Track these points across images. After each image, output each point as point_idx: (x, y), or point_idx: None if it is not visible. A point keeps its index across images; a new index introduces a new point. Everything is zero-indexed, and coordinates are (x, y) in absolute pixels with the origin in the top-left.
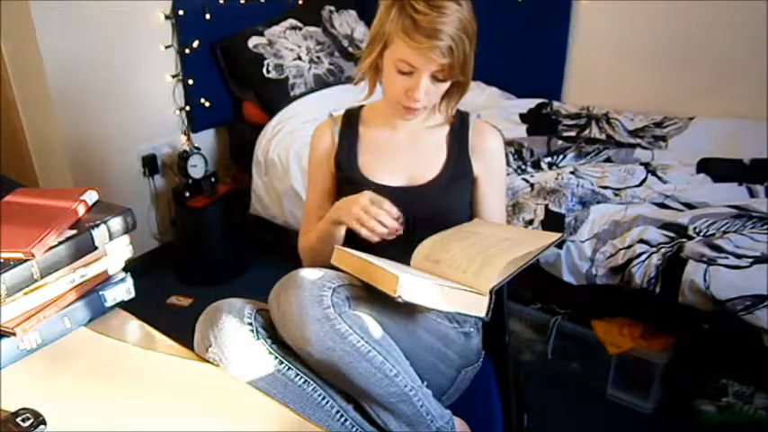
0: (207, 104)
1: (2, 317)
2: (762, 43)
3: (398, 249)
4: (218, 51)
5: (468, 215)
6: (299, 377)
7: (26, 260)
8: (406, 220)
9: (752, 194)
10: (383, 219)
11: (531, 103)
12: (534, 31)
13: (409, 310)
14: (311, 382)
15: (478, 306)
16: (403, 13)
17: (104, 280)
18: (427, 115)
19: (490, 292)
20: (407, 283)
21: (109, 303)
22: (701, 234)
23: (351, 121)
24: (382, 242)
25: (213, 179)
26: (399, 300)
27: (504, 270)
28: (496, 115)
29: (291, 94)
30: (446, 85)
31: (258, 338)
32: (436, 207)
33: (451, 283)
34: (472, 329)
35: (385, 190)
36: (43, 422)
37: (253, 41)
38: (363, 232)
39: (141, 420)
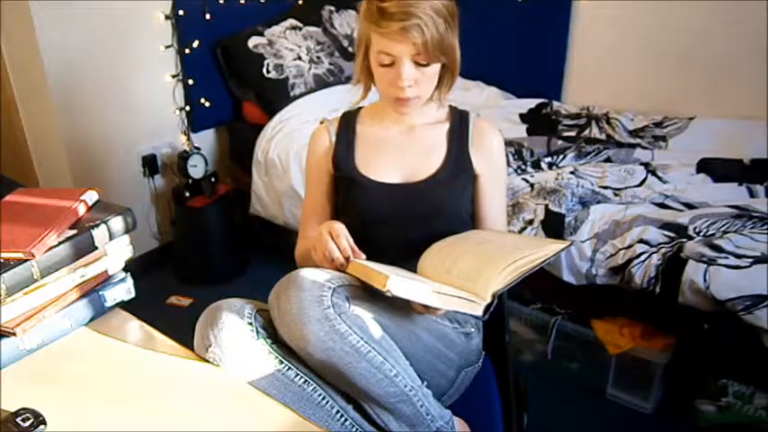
0: (207, 104)
1: (2, 317)
2: (762, 43)
3: (399, 252)
4: (218, 51)
5: (467, 213)
6: (299, 377)
7: (26, 260)
8: (404, 217)
9: (752, 194)
10: (332, 252)
11: (531, 102)
12: (534, 31)
13: (409, 311)
14: (311, 382)
15: (474, 306)
16: (371, 7)
17: (104, 280)
18: (423, 110)
19: (492, 296)
20: (398, 280)
21: (109, 303)
22: (701, 234)
23: (348, 122)
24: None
25: (213, 179)
26: (389, 294)
27: (507, 276)
28: (496, 115)
29: (291, 94)
30: (433, 70)
31: (258, 338)
32: (434, 204)
33: (451, 289)
34: (473, 330)
35: (382, 187)
36: (43, 422)
37: (253, 41)
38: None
39: (141, 420)
